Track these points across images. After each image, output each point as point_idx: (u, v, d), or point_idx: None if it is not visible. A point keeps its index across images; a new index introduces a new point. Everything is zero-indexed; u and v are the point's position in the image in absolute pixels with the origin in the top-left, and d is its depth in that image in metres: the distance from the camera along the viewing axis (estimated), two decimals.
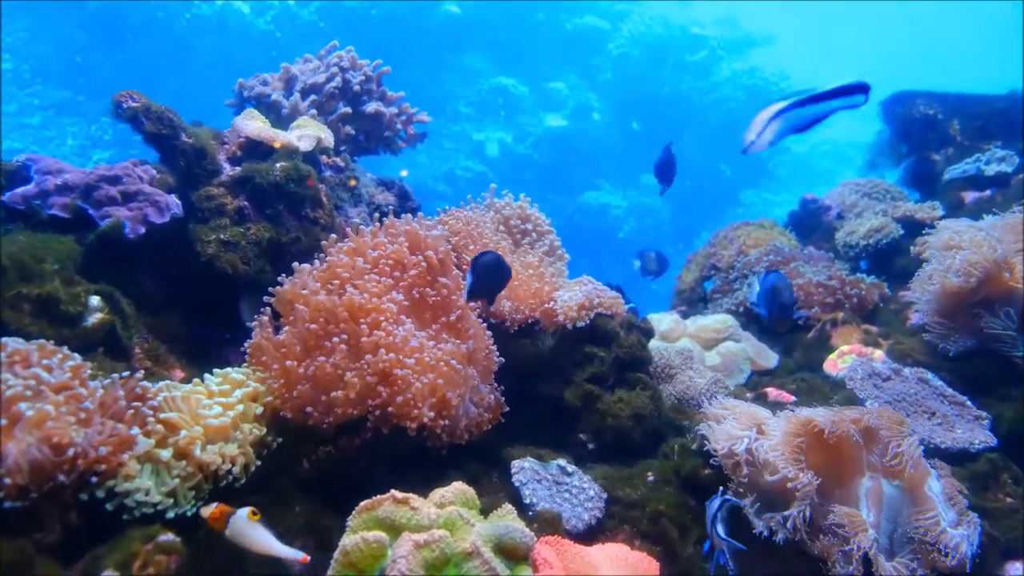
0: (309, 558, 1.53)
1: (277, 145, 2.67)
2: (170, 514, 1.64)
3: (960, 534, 1.77)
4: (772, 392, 2.91)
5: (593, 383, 2.43)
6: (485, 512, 1.71)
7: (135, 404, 1.73)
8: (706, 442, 2.10)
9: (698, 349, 3.31)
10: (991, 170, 3.89)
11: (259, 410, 1.95)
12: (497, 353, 2.32)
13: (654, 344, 3.09)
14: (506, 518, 1.65)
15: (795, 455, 1.84)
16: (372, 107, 3.29)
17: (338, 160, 3.08)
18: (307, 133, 2.82)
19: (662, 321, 3.52)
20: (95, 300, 2.06)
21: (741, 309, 3.71)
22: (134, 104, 2.43)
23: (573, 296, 2.52)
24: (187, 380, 2.05)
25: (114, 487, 1.60)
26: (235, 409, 1.89)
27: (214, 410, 1.86)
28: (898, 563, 1.74)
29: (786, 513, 1.78)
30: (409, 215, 2.39)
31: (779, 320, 2.56)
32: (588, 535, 1.93)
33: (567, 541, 1.73)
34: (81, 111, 13.05)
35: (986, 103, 4.30)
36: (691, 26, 16.02)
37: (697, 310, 4.09)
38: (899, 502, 1.86)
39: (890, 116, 4.58)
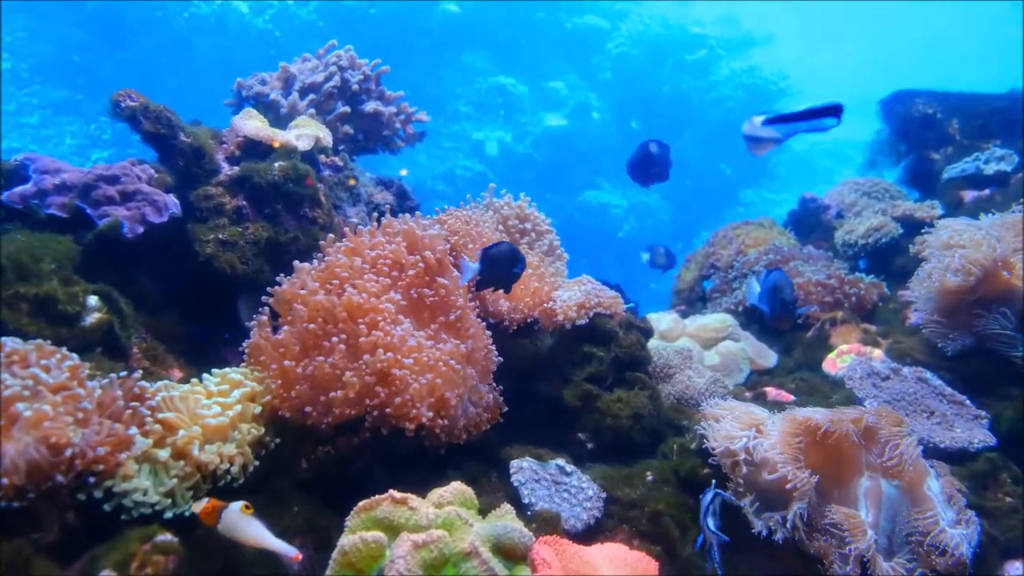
0: (301, 556, 1.52)
1: (275, 144, 2.67)
2: (168, 514, 1.64)
3: (959, 533, 1.77)
4: (771, 391, 2.91)
5: (592, 383, 2.43)
6: (484, 512, 1.71)
7: (133, 404, 1.73)
8: (705, 441, 2.10)
9: (697, 348, 3.31)
10: (990, 169, 3.89)
11: (257, 410, 1.95)
12: (496, 353, 2.31)
13: (653, 343, 3.09)
14: (504, 518, 1.65)
15: (794, 454, 1.84)
16: (371, 106, 3.29)
17: (337, 159, 3.07)
18: (305, 132, 2.82)
19: (661, 320, 3.52)
20: (93, 300, 2.06)
21: (740, 308, 3.71)
22: (132, 103, 2.42)
23: (572, 296, 2.52)
24: (185, 380, 2.05)
25: (112, 487, 1.59)
26: (233, 409, 1.89)
27: (212, 410, 1.86)
28: (896, 563, 1.74)
29: (784, 512, 1.78)
30: (407, 215, 2.38)
31: (782, 317, 2.54)
32: (587, 535, 1.93)
33: (566, 541, 1.73)
34: (79, 110, 13.05)
35: (985, 102, 4.30)
36: (690, 25, 16.03)
37: (696, 309, 4.09)
38: (898, 502, 1.86)
39: (889, 115, 4.58)
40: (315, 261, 2.22)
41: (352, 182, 3.08)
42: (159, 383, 1.92)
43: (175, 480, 1.69)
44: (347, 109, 3.21)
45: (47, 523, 1.54)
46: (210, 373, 2.06)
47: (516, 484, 1.99)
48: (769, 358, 3.31)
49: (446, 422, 2.00)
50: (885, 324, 3.27)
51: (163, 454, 1.70)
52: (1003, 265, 2.59)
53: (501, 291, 2.45)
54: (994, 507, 2.18)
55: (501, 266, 2.15)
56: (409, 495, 1.58)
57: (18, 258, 1.96)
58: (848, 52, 24.86)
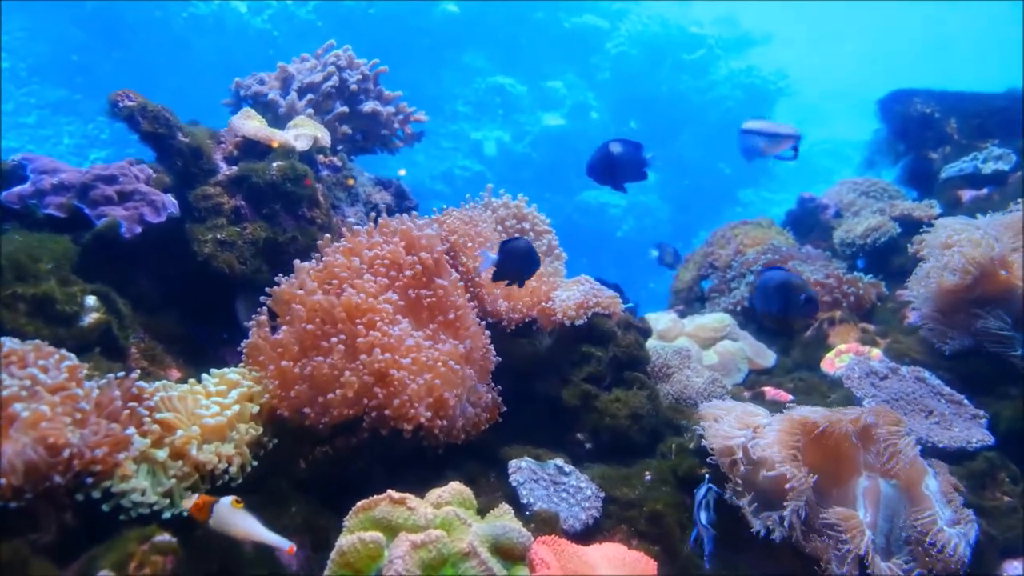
0: (295, 547, 1.52)
1: (274, 144, 2.67)
2: (166, 514, 1.64)
3: (957, 533, 1.77)
4: (770, 391, 2.91)
5: (590, 383, 2.43)
6: (482, 512, 1.71)
7: (131, 404, 1.73)
8: (703, 441, 2.10)
9: (696, 348, 3.31)
10: (988, 168, 3.89)
11: (255, 410, 1.95)
12: (494, 352, 2.31)
13: (652, 343, 3.09)
14: (503, 518, 1.65)
15: (792, 453, 1.84)
16: (369, 106, 3.29)
17: (335, 159, 3.07)
18: (304, 132, 2.82)
19: (660, 320, 3.52)
20: (91, 300, 2.05)
21: (739, 308, 3.71)
22: (130, 103, 2.42)
23: (571, 295, 2.52)
24: (183, 380, 2.05)
25: (110, 487, 1.59)
26: (231, 409, 1.89)
27: (211, 410, 1.86)
28: (894, 563, 1.74)
29: (782, 512, 1.78)
30: (404, 215, 2.38)
31: (805, 315, 2.49)
32: (585, 535, 1.93)
33: (564, 541, 1.73)
34: (78, 110, 13.04)
35: (984, 101, 4.30)
36: (689, 25, 16.03)
37: (694, 309, 4.09)
38: (896, 501, 1.86)
39: (888, 115, 4.58)
40: (313, 261, 2.22)
41: (350, 182, 3.08)
42: (157, 383, 1.92)
43: (173, 480, 1.69)
44: (345, 109, 3.20)
45: (45, 523, 1.54)
46: (208, 373, 2.06)
47: (515, 484, 1.99)
48: (767, 358, 3.31)
49: (444, 422, 2.00)
50: (883, 324, 3.27)
51: (161, 454, 1.70)
52: (1001, 264, 2.59)
53: (500, 290, 2.46)
54: (992, 506, 2.18)
55: (517, 260, 2.15)
56: (407, 495, 1.58)
57: (16, 258, 1.96)
58: (847, 52, 24.86)
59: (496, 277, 2.20)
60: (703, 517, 1.81)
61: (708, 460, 2.07)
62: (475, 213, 2.69)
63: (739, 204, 15.72)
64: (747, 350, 3.30)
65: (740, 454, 1.94)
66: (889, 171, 4.65)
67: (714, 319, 3.48)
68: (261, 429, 1.93)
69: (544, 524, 1.84)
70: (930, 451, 2.33)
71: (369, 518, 1.54)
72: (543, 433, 2.37)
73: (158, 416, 1.77)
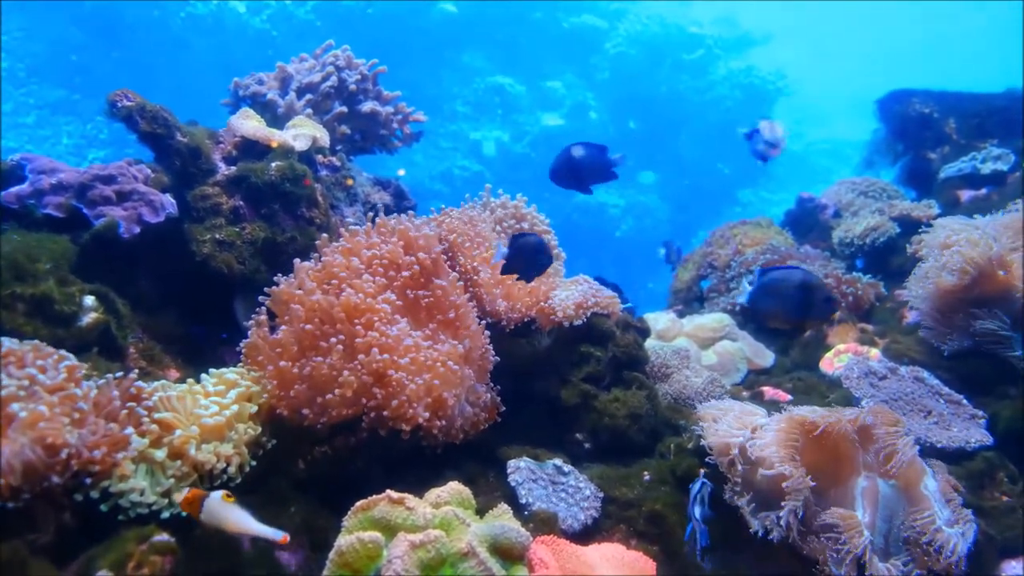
0: (288, 537, 1.50)
1: (273, 144, 2.67)
2: (165, 514, 1.64)
3: (955, 532, 1.77)
4: (768, 391, 2.91)
5: (589, 382, 2.43)
6: (481, 512, 1.71)
7: (130, 404, 1.73)
8: (702, 441, 2.10)
9: (695, 348, 3.31)
10: (987, 168, 3.90)
11: (254, 409, 1.95)
12: (493, 352, 2.31)
13: (651, 343, 3.09)
14: (502, 518, 1.65)
15: (790, 453, 1.84)
16: (368, 106, 3.29)
17: (334, 159, 3.07)
18: (303, 132, 2.82)
19: (659, 320, 3.52)
20: (90, 300, 2.05)
21: (737, 308, 3.71)
22: (129, 103, 2.42)
23: (570, 295, 2.52)
24: (182, 380, 2.05)
25: (108, 487, 1.59)
26: (230, 409, 1.89)
27: (210, 409, 1.86)
28: (893, 564, 1.74)
29: (780, 511, 1.78)
30: (402, 215, 2.38)
31: (823, 317, 2.45)
32: (584, 535, 1.93)
33: (563, 541, 1.72)
34: (76, 110, 13.03)
35: (983, 101, 4.30)
36: (688, 25, 16.03)
37: (693, 309, 4.09)
38: (895, 501, 1.86)
39: (886, 114, 4.58)
40: (312, 261, 2.22)
41: (349, 182, 3.08)
42: (156, 383, 1.91)
43: (172, 480, 1.69)
44: (344, 109, 3.20)
45: (43, 524, 1.54)
46: (207, 373, 2.06)
47: (513, 484, 1.99)
48: (766, 358, 3.31)
49: (443, 422, 2.00)
50: (882, 323, 3.27)
51: (160, 454, 1.70)
52: (999, 264, 2.59)
53: (499, 290, 2.45)
54: (991, 506, 2.18)
55: (527, 255, 2.15)
56: (406, 495, 1.58)
57: (14, 258, 1.96)
58: (846, 52, 24.88)
59: (505, 271, 2.20)
60: (697, 512, 1.81)
61: (707, 460, 2.07)
62: (474, 213, 2.69)
63: (738, 204, 15.73)
64: (746, 350, 3.30)
65: (738, 454, 1.94)
66: (888, 171, 4.65)
67: (713, 319, 3.48)
68: (260, 429, 1.93)
69: (543, 524, 1.84)
70: (929, 451, 2.33)
71: (368, 518, 1.54)
72: (542, 433, 2.37)
73: (157, 416, 1.77)
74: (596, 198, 14.78)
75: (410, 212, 2.50)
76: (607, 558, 1.73)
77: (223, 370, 2.09)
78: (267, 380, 2.00)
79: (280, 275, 2.18)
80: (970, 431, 2.43)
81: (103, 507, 1.59)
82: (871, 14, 24.86)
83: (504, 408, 2.29)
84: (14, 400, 1.49)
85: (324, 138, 2.90)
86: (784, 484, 1.79)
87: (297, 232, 2.58)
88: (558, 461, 2.13)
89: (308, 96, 3.16)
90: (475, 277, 2.46)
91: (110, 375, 1.75)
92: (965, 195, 3.92)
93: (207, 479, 1.78)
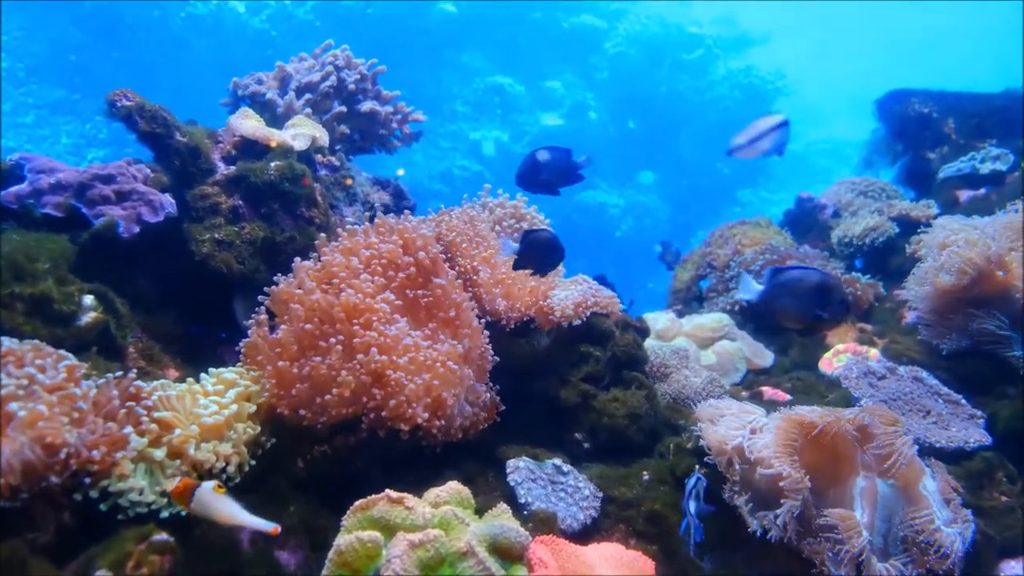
0: (279, 528, 1.50)
1: (272, 144, 2.67)
2: (164, 514, 1.64)
3: (954, 532, 1.77)
4: (767, 391, 2.91)
5: (589, 382, 2.43)
6: (480, 511, 1.71)
7: (129, 404, 1.73)
8: (701, 441, 2.10)
9: (694, 348, 3.31)
10: (986, 168, 3.90)
11: (253, 409, 1.95)
12: (492, 352, 2.31)
13: (650, 343, 3.09)
14: (501, 517, 1.65)
15: (789, 452, 1.84)
16: (367, 106, 3.29)
17: (333, 159, 3.07)
18: (302, 132, 2.82)
19: (658, 320, 3.52)
20: (89, 299, 2.05)
21: (737, 308, 3.71)
22: (128, 103, 2.42)
23: (569, 295, 2.52)
24: (181, 380, 2.05)
25: (108, 487, 1.59)
26: (229, 408, 1.89)
27: (209, 409, 1.86)
28: (891, 564, 1.74)
29: (777, 510, 1.78)
30: (401, 215, 2.38)
31: (839, 319, 2.45)
32: (583, 534, 1.93)
33: (562, 540, 1.72)
34: (76, 110, 13.03)
35: (982, 101, 4.31)
36: (688, 25, 16.04)
37: (693, 309, 4.09)
38: (894, 501, 1.86)
39: (885, 114, 4.58)
40: (311, 261, 2.22)
41: (348, 182, 3.08)
42: (155, 383, 1.91)
43: (171, 479, 1.69)
44: (343, 109, 3.20)
45: (43, 523, 1.54)
46: (206, 373, 2.06)
47: (513, 484, 1.99)
48: (765, 357, 3.31)
49: (442, 422, 2.00)
50: (881, 323, 3.27)
51: (159, 453, 1.70)
52: (998, 265, 2.60)
53: (499, 290, 2.46)
54: (990, 506, 2.18)
55: (540, 251, 2.16)
56: (405, 495, 1.58)
57: (14, 258, 1.96)
58: (846, 51, 24.88)
59: (517, 267, 2.21)
60: (692, 507, 1.81)
61: (706, 460, 2.07)
62: (473, 213, 2.69)
63: (737, 204, 15.74)
64: (745, 350, 3.30)
65: (737, 454, 1.94)
66: (887, 171, 4.65)
67: (712, 319, 3.48)
68: (259, 428, 1.93)
69: (542, 524, 1.84)
70: (927, 451, 2.33)
71: (367, 517, 1.54)
72: (541, 433, 2.37)
73: (156, 415, 1.77)
74: (596, 198, 14.78)
75: (405, 212, 2.49)
76: (606, 558, 1.73)
77: (222, 369, 2.09)
78: (266, 380, 2.00)
79: (279, 275, 2.18)
80: (969, 431, 2.43)
81: (102, 506, 1.59)
82: (870, 14, 24.85)
83: (503, 408, 2.29)
84: (13, 399, 1.49)
85: (323, 138, 2.90)
86: (782, 484, 1.79)
87: (296, 232, 2.58)
88: (557, 461, 2.13)
89: (307, 96, 3.16)
90: (475, 277, 2.46)
91: (109, 375, 1.75)
92: (964, 195, 3.93)
93: (206, 478, 1.77)
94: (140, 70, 12.70)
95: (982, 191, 3.88)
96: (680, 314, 3.81)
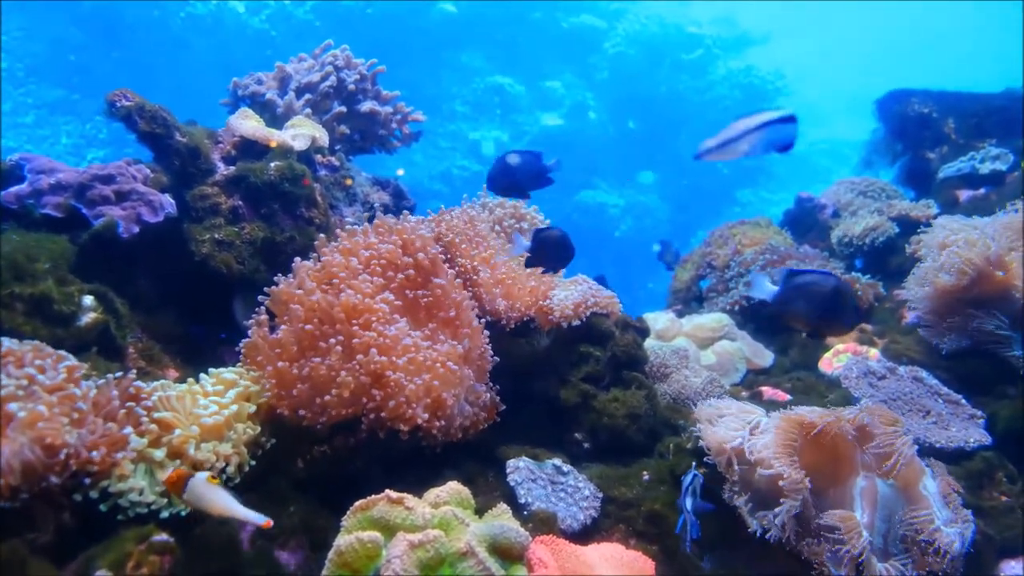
0: (272, 522, 1.49)
1: (272, 144, 2.67)
2: (164, 514, 1.64)
3: (954, 532, 1.77)
4: (767, 391, 2.91)
5: (588, 382, 2.43)
6: (480, 512, 1.71)
7: (129, 404, 1.73)
8: (700, 441, 2.10)
9: (694, 348, 3.31)
10: (986, 168, 3.90)
11: (252, 409, 1.95)
12: (491, 352, 2.31)
13: (650, 343, 3.09)
14: (501, 518, 1.65)
15: (788, 453, 1.84)
16: (367, 106, 3.29)
17: (333, 159, 3.07)
18: (302, 132, 2.82)
19: (658, 320, 3.52)
20: (89, 300, 2.05)
21: (737, 308, 3.71)
22: (127, 103, 2.42)
23: (569, 295, 2.52)
24: (181, 380, 2.05)
25: (108, 487, 1.59)
26: (229, 408, 1.89)
27: (209, 409, 1.86)
28: (891, 565, 1.74)
29: (776, 510, 1.78)
30: (400, 215, 2.38)
31: (851, 326, 2.45)
32: (583, 534, 1.93)
33: (562, 540, 1.72)
34: (75, 110, 13.02)
35: (982, 101, 4.31)
36: (687, 25, 16.04)
37: (692, 309, 4.09)
38: (894, 501, 1.86)
39: (885, 114, 4.58)
40: (311, 261, 2.21)
41: (348, 182, 3.08)
42: (155, 383, 1.91)
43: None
44: (343, 109, 3.20)
45: (43, 523, 1.54)
46: (206, 373, 2.06)
47: (513, 484, 1.99)
48: (765, 357, 3.31)
49: (443, 422, 2.00)
50: (881, 323, 3.27)
51: (159, 454, 1.70)
52: (997, 265, 2.60)
53: (499, 290, 2.46)
54: (990, 506, 2.18)
55: (550, 249, 2.18)
56: (405, 495, 1.58)
57: (13, 258, 1.96)
58: (845, 51, 24.88)
59: (529, 264, 2.22)
60: (688, 503, 1.81)
61: (705, 460, 2.07)
62: (473, 213, 2.69)
63: (737, 204, 15.74)
64: (745, 350, 3.30)
65: (736, 454, 1.94)
66: (887, 171, 4.65)
67: (712, 319, 3.48)
68: (259, 428, 1.93)
69: (542, 524, 1.84)
70: (928, 451, 2.33)
71: (367, 518, 1.54)
72: (541, 433, 2.37)
73: (156, 416, 1.77)
74: (596, 198, 14.78)
75: (404, 212, 2.49)
76: (606, 558, 1.73)
77: (222, 370, 2.09)
78: (266, 380, 2.00)
79: (279, 275, 2.18)
80: (969, 431, 2.43)
81: (102, 507, 1.59)
82: (870, 14, 24.86)
83: (503, 408, 2.29)
84: (13, 400, 1.49)
85: (323, 138, 2.90)
86: (782, 484, 1.79)
87: (296, 232, 2.58)
88: (557, 461, 2.13)
89: (307, 96, 3.16)
90: (475, 277, 2.46)
91: (109, 375, 1.75)
92: (964, 195, 3.93)
93: None
94: (140, 70, 12.70)
95: (982, 191, 3.88)
96: (680, 314, 3.81)
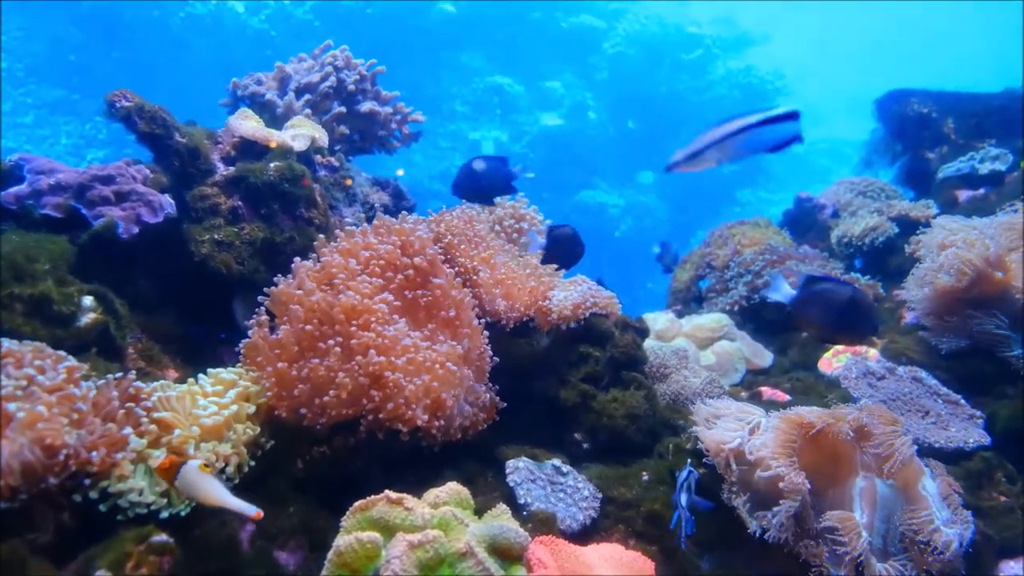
0: (262, 513, 1.48)
1: (271, 145, 2.67)
2: (164, 514, 1.64)
3: (953, 532, 1.77)
4: (767, 391, 2.91)
5: (588, 383, 2.43)
6: (480, 512, 1.71)
7: (128, 404, 1.73)
8: (700, 442, 2.10)
9: (693, 348, 3.31)
10: (985, 168, 3.90)
11: (252, 410, 1.95)
12: (491, 353, 2.31)
13: (649, 343, 3.09)
14: (500, 518, 1.65)
15: (788, 453, 1.84)
16: (367, 106, 3.29)
17: (333, 160, 3.07)
18: (301, 133, 2.82)
19: (657, 320, 3.52)
20: (88, 300, 2.05)
21: (736, 308, 3.71)
22: (127, 103, 2.42)
23: (568, 295, 2.52)
24: (181, 380, 2.05)
25: (107, 488, 1.59)
26: (229, 409, 1.89)
27: (208, 409, 1.86)
28: (891, 565, 1.74)
29: (775, 509, 1.78)
30: (397, 215, 2.38)
31: (866, 336, 2.46)
32: (583, 535, 1.93)
33: (562, 541, 1.73)
34: (75, 110, 13.02)
35: (981, 101, 4.31)
36: (687, 25, 16.03)
37: (692, 309, 4.10)
38: (893, 502, 1.86)
39: (885, 114, 4.59)
40: (311, 262, 2.22)
41: (348, 182, 3.08)
42: (155, 383, 1.91)
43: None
44: (343, 109, 3.20)
45: (42, 524, 1.54)
46: (205, 373, 2.06)
47: (512, 484, 1.99)
48: (765, 358, 3.31)
49: (442, 423, 2.00)
50: (881, 324, 3.27)
51: (158, 454, 1.70)
52: (996, 265, 2.60)
53: (498, 290, 2.46)
54: (989, 506, 2.18)
55: (566, 245, 2.19)
56: (405, 495, 1.58)
57: (13, 258, 1.96)
58: (845, 51, 24.89)
59: (545, 261, 2.24)
60: (683, 499, 1.81)
61: (704, 460, 2.07)
62: (472, 213, 2.69)
63: (737, 204, 15.73)
64: (744, 350, 3.30)
65: (735, 455, 1.94)
66: (886, 171, 4.66)
67: (712, 319, 3.48)
68: (258, 429, 1.93)
69: (541, 524, 1.84)
70: (927, 451, 2.33)
71: (366, 518, 1.54)
72: (541, 433, 2.37)
73: (155, 416, 1.77)
74: (595, 198, 14.77)
75: (403, 213, 2.49)
76: (606, 558, 1.73)
77: (221, 370, 2.09)
78: (266, 380, 2.00)
79: (279, 275, 2.18)
80: (968, 431, 2.43)
81: (102, 507, 1.59)
82: (870, 14, 24.86)
83: (503, 408, 2.29)
84: (13, 400, 1.49)
85: (323, 138, 2.91)
86: (781, 485, 1.79)
87: (296, 232, 2.58)
88: (557, 461, 2.13)
89: (307, 96, 3.16)
90: (474, 277, 2.46)
91: (109, 375, 1.75)
92: (963, 195, 3.93)
93: None
94: (140, 70, 12.69)
95: (981, 191, 3.88)
96: (679, 314, 3.82)
